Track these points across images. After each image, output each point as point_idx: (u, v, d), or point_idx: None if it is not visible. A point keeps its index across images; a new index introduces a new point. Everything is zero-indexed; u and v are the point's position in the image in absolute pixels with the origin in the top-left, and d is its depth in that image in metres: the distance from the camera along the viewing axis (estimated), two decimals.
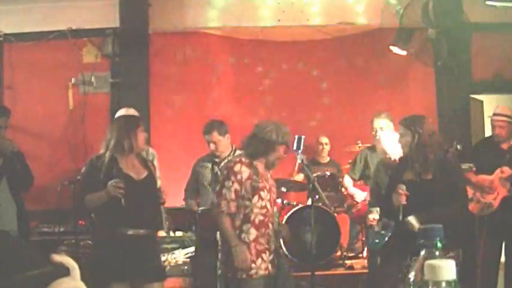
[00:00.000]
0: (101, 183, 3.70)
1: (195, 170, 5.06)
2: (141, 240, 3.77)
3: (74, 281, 0.84)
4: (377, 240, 4.28)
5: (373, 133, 5.06)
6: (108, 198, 3.66)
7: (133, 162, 3.87)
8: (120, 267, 3.67)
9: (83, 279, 0.87)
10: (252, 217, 3.75)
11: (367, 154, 5.26)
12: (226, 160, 4.79)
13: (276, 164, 3.93)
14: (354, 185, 5.81)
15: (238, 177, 3.74)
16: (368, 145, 5.58)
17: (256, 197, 3.75)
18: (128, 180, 3.73)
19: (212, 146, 4.81)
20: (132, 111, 4.81)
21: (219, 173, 4.76)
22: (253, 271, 3.72)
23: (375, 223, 4.32)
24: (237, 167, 3.77)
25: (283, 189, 6.05)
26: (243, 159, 3.82)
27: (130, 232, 3.72)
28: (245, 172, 3.75)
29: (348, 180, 5.78)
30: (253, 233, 3.75)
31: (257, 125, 3.98)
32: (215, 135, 4.79)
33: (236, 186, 3.74)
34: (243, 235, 3.75)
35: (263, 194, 3.79)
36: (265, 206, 3.79)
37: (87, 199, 3.78)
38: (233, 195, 3.73)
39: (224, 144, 4.84)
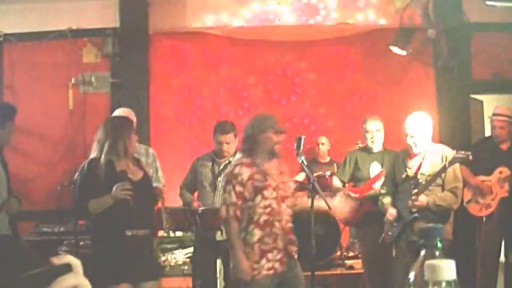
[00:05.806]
0: (101, 188, 3.70)
1: (194, 169, 5.02)
2: (142, 240, 3.81)
3: (77, 278, 0.84)
4: (390, 233, 4.43)
5: (367, 135, 5.02)
6: (115, 201, 3.69)
7: (128, 164, 3.89)
8: (123, 268, 3.69)
9: (85, 276, 0.87)
10: (256, 217, 3.70)
11: (357, 156, 5.17)
12: (226, 161, 4.79)
13: (278, 152, 3.85)
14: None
15: (239, 178, 3.71)
16: (357, 146, 5.48)
17: (259, 197, 3.70)
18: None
19: (225, 146, 4.76)
20: (128, 112, 4.82)
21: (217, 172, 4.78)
22: (255, 271, 3.67)
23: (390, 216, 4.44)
24: (236, 170, 3.75)
25: None
26: (244, 160, 3.80)
27: (135, 233, 3.76)
28: (245, 173, 3.72)
29: (336, 182, 5.65)
30: (257, 233, 3.69)
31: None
32: (231, 136, 4.77)
33: (238, 188, 3.70)
34: (247, 236, 3.71)
35: (267, 192, 3.73)
36: (270, 205, 3.72)
37: (92, 205, 3.74)
38: (234, 199, 3.69)
39: (234, 147, 4.82)
